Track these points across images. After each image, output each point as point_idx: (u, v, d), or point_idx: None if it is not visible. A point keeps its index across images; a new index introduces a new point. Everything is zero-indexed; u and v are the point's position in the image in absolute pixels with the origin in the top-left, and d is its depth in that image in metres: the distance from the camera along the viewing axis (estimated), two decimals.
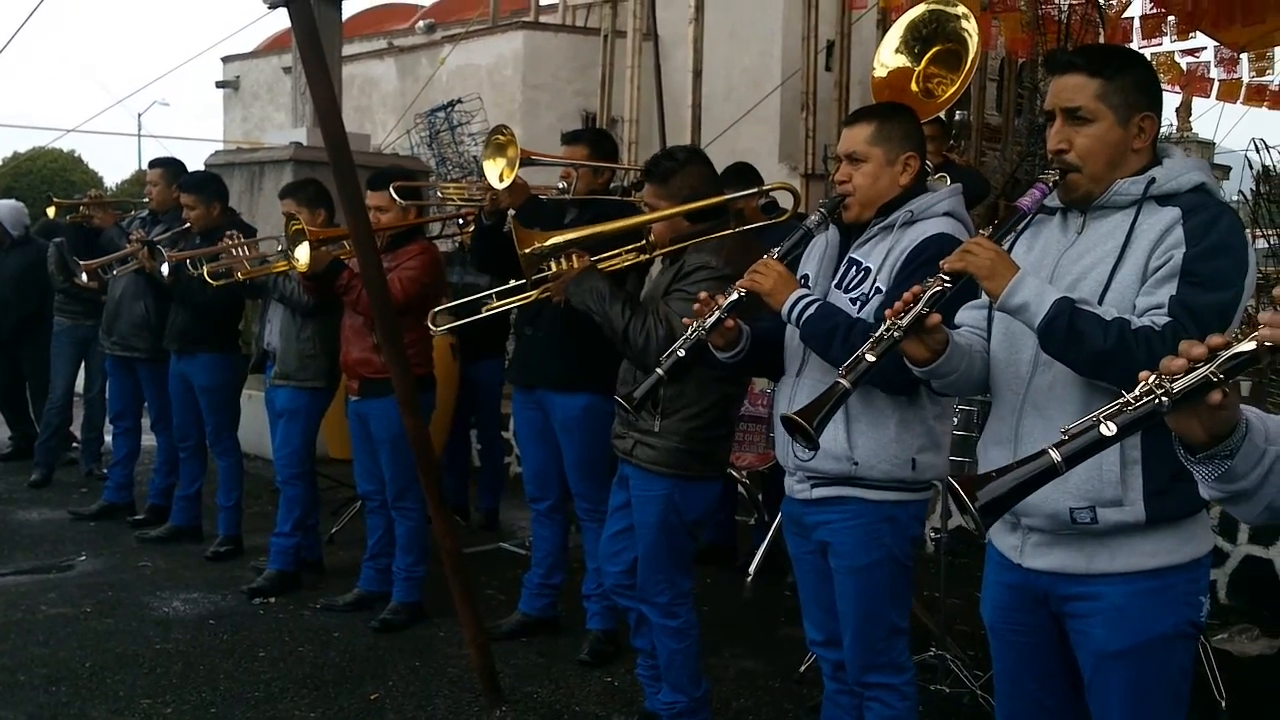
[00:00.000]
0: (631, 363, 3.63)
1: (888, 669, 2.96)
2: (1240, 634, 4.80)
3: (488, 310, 4.25)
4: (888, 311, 2.37)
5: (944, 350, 2.36)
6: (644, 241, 3.74)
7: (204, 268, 5.42)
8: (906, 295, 2.32)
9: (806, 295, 2.80)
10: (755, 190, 4.18)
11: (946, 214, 2.90)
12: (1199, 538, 2.32)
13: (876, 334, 2.32)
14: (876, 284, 2.84)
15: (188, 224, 5.91)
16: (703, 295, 2.87)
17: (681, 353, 2.82)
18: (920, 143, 2.97)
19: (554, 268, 3.69)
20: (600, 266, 3.67)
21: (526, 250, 3.61)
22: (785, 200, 3.91)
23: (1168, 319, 2.16)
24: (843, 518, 2.89)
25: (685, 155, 3.72)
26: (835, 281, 2.94)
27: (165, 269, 5.66)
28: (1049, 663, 2.43)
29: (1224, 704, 4.06)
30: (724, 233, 3.53)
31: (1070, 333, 2.18)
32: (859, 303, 2.85)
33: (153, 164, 6.63)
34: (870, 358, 2.30)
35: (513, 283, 4.10)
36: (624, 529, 3.74)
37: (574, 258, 3.64)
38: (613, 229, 3.74)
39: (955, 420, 3.91)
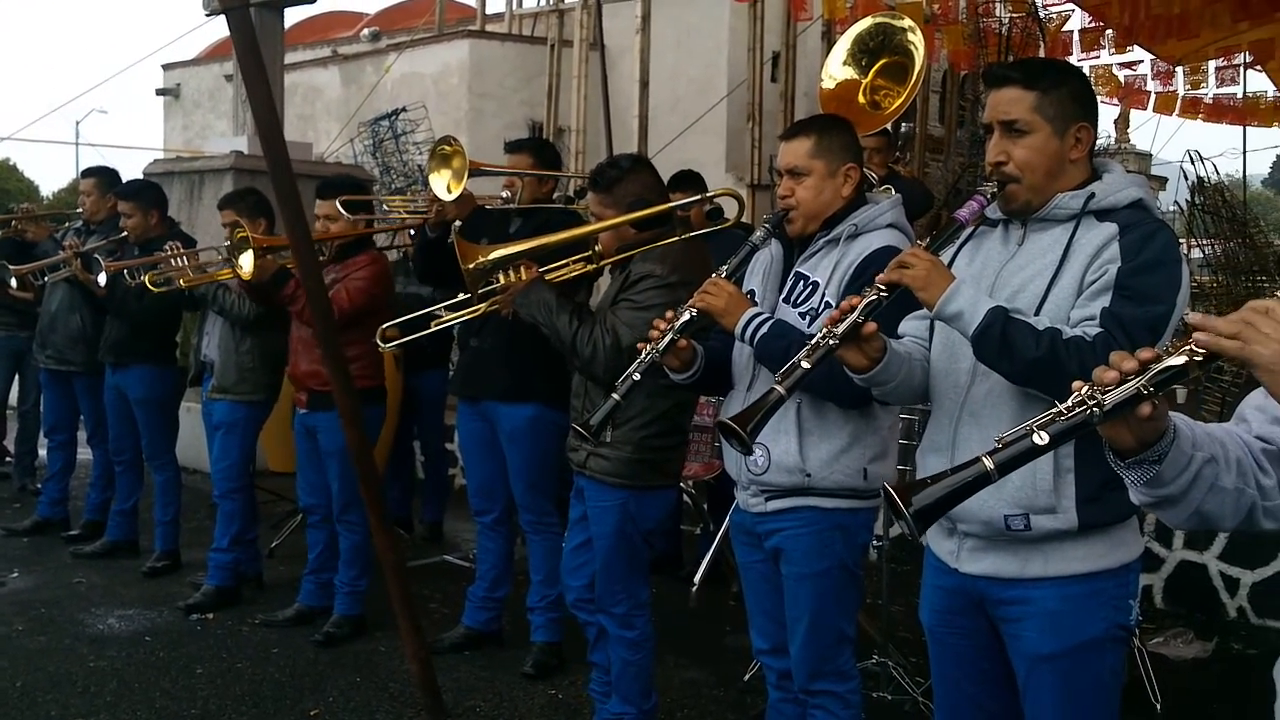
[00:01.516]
0: (580, 373, 3.62)
1: (833, 676, 2.97)
2: (1175, 638, 4.88)
3: (436, 325, 4.20)
4: (824, 320, 2.41)
5: (882, 358, 2.39)
6: (590, 251, 3.73)
7: (145, 276, 5.31)
8: (844, 304, 2.36)
9: (760, 314, 2.82)
10: (700, 197, 4.17)
11: (890, 225, 2.93)
12: (1129, 544, 2.37)
13: (813, 341, 2.36)
14: (826, 298, 2.85)
15: (125, 233, 5.81)
16: (656, 321, 2.86)
17: (637, 376, 2.82)
18: (858, 153, 3.00)
19: (502, 280, 3.66)
20: (548, 278, 3.66)
21: (470, 265, 3.57)
22: (730, 207, 3.91)
23: (1099, 330, 2.20)
24: (795, 525, 2.91)
25: (629, 163, 3.72)
26: (783, 296, 2.95)
27: (102, 279, 5.55)
28: (986, 665, 2.46)
29: (1159, 707, 4.12)
30: (670, 240, 3.53)
31: (1003, 341, 2.21)
32: (808, 317, 2.86)
33: (85, 174, 6.52)
34: (805, 365, 2.34)
35: (460, 296, 4.07)
36: (585, 542, 3.72)
37: (522, 269, 3.61)
38: (557, 240, 3.72)
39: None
